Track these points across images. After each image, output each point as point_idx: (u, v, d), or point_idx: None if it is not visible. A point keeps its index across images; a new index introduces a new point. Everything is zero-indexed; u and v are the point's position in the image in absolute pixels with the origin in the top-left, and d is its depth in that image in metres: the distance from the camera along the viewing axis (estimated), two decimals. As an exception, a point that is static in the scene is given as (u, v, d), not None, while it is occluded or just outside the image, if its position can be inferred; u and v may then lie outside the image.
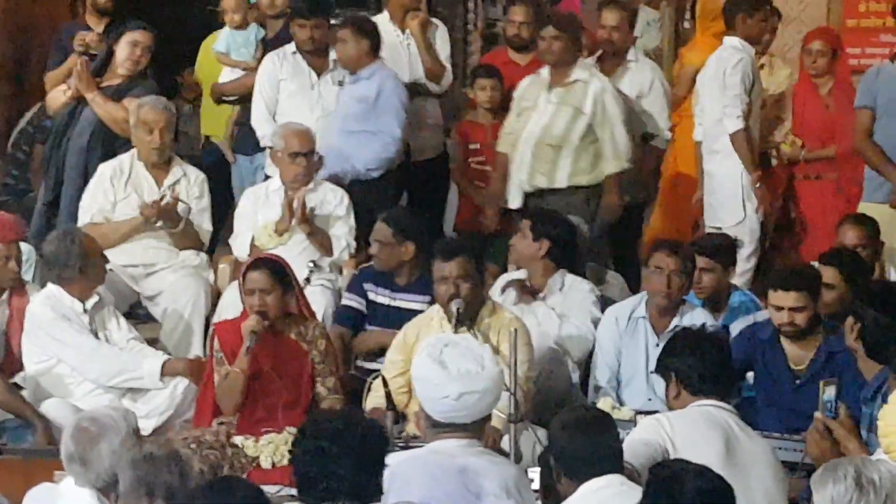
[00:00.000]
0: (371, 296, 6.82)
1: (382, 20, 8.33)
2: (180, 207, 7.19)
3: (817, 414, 5.03)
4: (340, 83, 7.92)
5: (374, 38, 7.71)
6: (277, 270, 6.12)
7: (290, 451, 3.97)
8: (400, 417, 5.82)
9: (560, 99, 7.64)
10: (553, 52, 7.58)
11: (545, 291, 6.65)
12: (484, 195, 7.94)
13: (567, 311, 6.59)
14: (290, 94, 7.94)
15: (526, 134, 7.63)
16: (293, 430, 5.71)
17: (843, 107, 7.76)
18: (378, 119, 7.63)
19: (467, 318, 5.90)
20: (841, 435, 4.86)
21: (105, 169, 7.32)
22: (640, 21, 11.55)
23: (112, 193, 7.25)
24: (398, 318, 6.55)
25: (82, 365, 6.46)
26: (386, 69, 7.75)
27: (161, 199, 7.12)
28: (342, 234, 7.31)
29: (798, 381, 5.86)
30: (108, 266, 6.93)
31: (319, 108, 7.86)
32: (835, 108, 7.91)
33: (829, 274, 6.18)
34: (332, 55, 7.95)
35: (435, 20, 8.52)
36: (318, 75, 7.92)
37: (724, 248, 6.70)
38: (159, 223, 7.16)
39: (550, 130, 7.62)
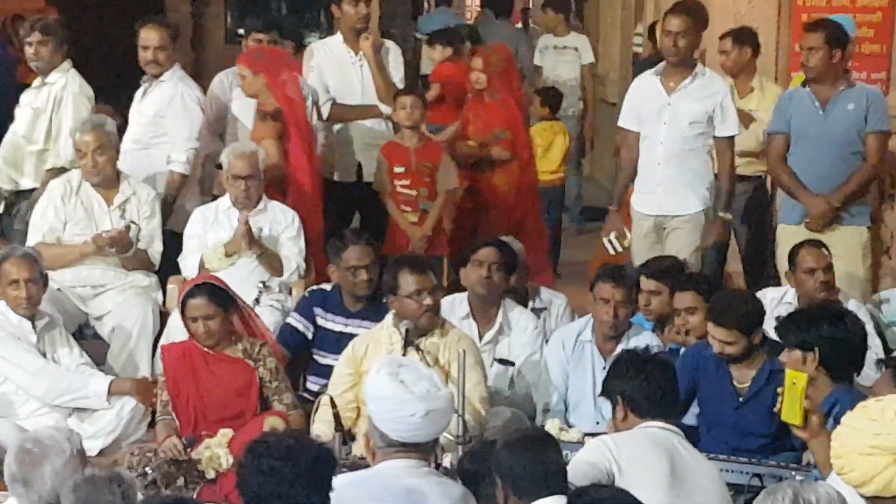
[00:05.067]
0: (321, 321, 6.78)
1: (335, 42, 8.35)
2: (131, 230, 7.15)
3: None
4: None
5: None
6: (216, 294, 6.15)
7: (237, 472, 3.96)
8: (348, 438, 5.81)
9: (28, 101, 7.84)
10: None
11: (493, 330, 6.60)
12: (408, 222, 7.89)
13: (514, 350, 6.59)
14: (239, 113, 7.94)
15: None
16: (228, 431, 5.81)
17: None
18: None
19: (416, 338, 5.90)
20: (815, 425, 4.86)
21: (55, 187, 7.28)
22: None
23: (63, 212, 7.21)
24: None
25: (28, 383, 6.43)
26: None
27: (116, 232, 7.07)
28: (292, 254, 7.27)
29: (741, 399, 5.89)
30: (55, 286, 6.90)
31: None
32: None
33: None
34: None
35: (387, 42, 8.52)
36: None
37: (672, 271, 6.73)
38: (112, 250, 7.12)
39: (18, 131, 7.93)
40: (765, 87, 8.27)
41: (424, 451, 4.42)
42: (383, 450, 4.39)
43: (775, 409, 4.68)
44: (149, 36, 7.79)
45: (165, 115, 7.69)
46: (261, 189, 7.28)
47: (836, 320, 5.37)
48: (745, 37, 8.32)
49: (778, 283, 7.44)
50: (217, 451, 5.83)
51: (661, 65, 7.40)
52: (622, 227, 7.46)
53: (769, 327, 6.17)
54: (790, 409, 4.58)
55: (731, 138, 7.40)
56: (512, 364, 6.54)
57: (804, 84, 7.39)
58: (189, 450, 5.90)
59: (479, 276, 6.62)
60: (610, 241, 7.51)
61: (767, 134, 7.53)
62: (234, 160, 7.23)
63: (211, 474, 5.85)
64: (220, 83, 8.10)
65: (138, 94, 7.95)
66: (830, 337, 5.29)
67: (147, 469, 5.76)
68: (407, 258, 6.22)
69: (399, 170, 7.90)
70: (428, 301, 5.90)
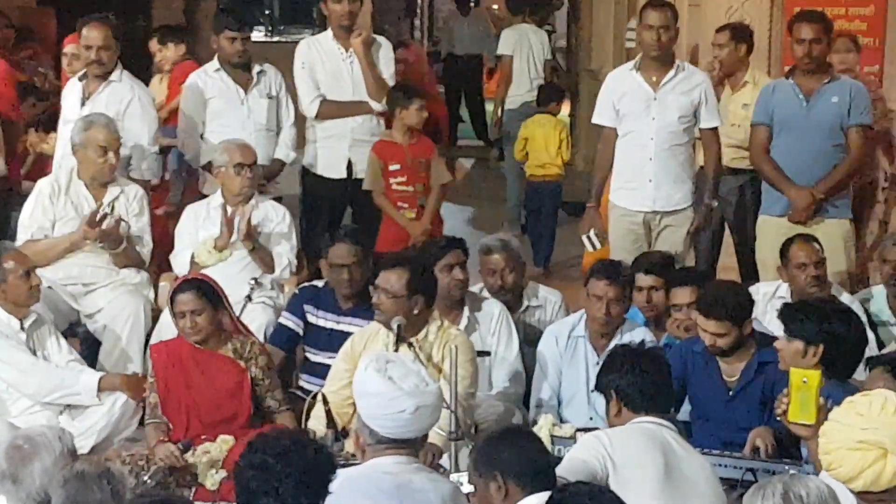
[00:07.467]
0: (311, 318, 6.75)
1: (325, 38, 8.34)
2: (121, 226, 7.12)
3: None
4: (270, 96, 7.94)
5: None
6: (204, 289, 6.15)
7: (235, 463, 3.96)
8: (340, 435, 5.80)
9: None
10: None
11: (461, 326, 6.49)
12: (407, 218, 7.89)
13: (486, 340, 6.57)
14: (218, 111, 7.94)
15: None
16: (228, 438, 5.80)
17: None
18: None
19: (409, 336, 5.86)
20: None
21: (43, 185, 7.23)
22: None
23: (51, 211, 7.16)
24: (341, 341, 6.45)
25: (19, 380, 6.41)
26: None
27: (101, 215, 7.01)
28: (284, 251, 7.27)
29: (730, 393, 5.89)
30: (47, 284, 6.88)
31: (252, 123, 7.89)
32: None
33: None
34: (256, 69, 7.96)
35: (379, 38, 8.51)
36: (245, 91, 7.92)
37: (665, 265, 6.73)
38: (101, 244, 7.08)
39: None
40: (758, 80, 8.24)
41: (414, 446, 4.42)
42: (373, 446, 4.39)
43: (779, 412, 4.57)
44: (91, 35, 7.57)
45: (122, 119, 7.48)
46: (256, 182, 7.29)
47: (846, 319, 5.38)
48: (742, 35, 8.32)
49: (755, 273, 7.44)
50: (212, 471, 5.78)
51: (638, 59, 7.37)
52: (601, 223, 7.44)
53: (767, 323, 6.18)
54: (802, 409, 4.43)
55: (716, 129, 7.41)
56: (488, 354, 6.52)
57: (787, 76, 7.40)
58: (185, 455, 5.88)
59: (456, 279, 6.58)
60: (589, 238, 7.48)
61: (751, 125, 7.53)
62: (234, 150, 7.26)
63: (212, 484, 5.78)
64: (196, 81, 8.05)
65: (75, 95, 7.73)
66: (840, 335, 5.30)
67: (145, 477, 5.73)
68: (394, 257, 6.16)
69: (394, 167, 7.89)
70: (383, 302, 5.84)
